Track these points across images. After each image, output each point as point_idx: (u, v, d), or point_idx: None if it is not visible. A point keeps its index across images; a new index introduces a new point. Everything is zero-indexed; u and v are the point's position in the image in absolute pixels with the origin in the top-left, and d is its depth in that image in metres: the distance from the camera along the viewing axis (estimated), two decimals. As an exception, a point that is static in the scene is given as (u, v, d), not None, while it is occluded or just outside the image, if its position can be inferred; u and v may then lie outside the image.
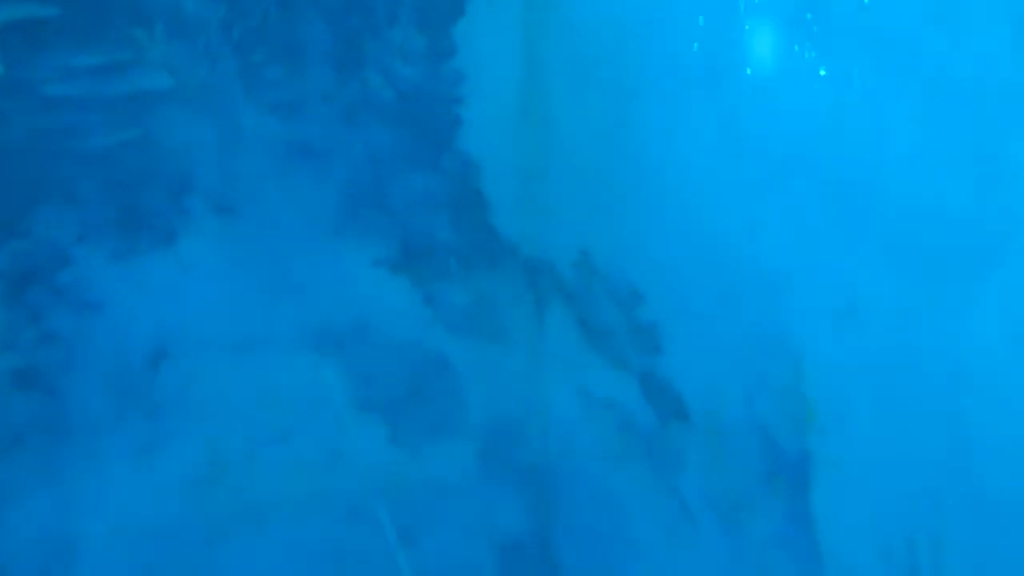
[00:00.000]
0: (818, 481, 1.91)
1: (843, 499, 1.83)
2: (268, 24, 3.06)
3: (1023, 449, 1.35)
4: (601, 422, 2.89)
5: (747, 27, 1.93)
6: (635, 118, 2.45)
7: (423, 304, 3.46)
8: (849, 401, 1.77)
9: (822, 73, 1.72)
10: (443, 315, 3.40)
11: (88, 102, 2.89)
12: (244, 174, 3.25)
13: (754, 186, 1.96)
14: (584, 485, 3.10)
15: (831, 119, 1.70)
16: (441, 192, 3.28)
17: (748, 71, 1.93)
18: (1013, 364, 1.36)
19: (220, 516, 3.41)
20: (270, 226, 3.36)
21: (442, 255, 3.33)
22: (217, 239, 3.30)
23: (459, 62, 3.05)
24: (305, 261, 3.38)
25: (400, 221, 3.43)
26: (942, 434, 1.55)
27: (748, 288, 2.05)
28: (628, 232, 2.59)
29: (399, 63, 3.14)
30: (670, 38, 2.24)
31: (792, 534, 2.01)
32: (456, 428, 3.43)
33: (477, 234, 3.24)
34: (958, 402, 1.50)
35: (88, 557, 3.11)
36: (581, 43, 2.72)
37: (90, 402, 3.18)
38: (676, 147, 2.28)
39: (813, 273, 1.80)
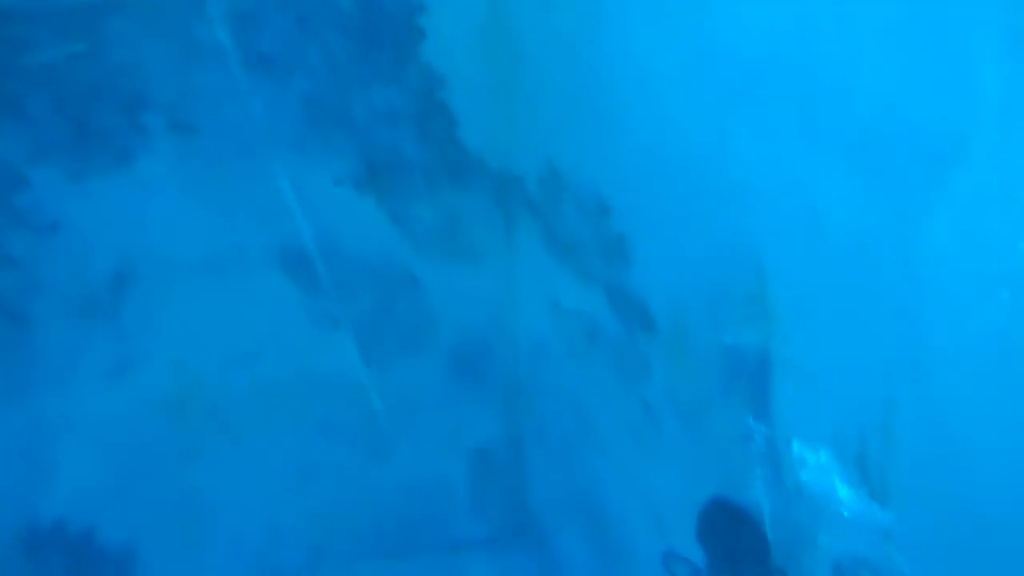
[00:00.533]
0: (777, 382, 2.01)
1: (800, 399, 1.93)
2: (219, -71, 2.92)
3: (972, 348, 1.44)
4: (569, 333, 2.96)
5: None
6: (602, 29, 2.42)
7: (390, 222, 3.45)
8: (809, 306, 1.84)
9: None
10: (411, 233, 3.40)
11: (34, 14, 2.75)
12: (199, 90, 3.16)
13: (722, 96, 1.97)
14: (552, 394, 3.20)
15: (799, 28, 1.71)
16: (405, 106, 3.23)
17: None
18: (966, 267, 1.43)
19: (194, 435, 3.45)
20: (229, 144, 3.29)
21: (408, 172, 3.31)
22: (175, 158, 3.22)
23: (420, -30, 2.96)
24: (267, 179, 3.33)
25: (363, 137, 3.38)
26: (896, 335, 1.63)
27: (714, 198, 2.08)
28: (595, 145, 2.59)
29: (358, -30, 3.03)
30: (637, -55, 2.21)
31: (751, 433, 2.12)
32: (426, 344, 3.49)
33: (443, 149, 3.22)
34: (913, 304, 1.58)
35: (66, 478, 3.14)
36: (546, -50, 2.66)
37: (55, 325, 3.15)
38: (644, 58, 2.27)
39: (778, 182, 1.84)
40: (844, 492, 1.69)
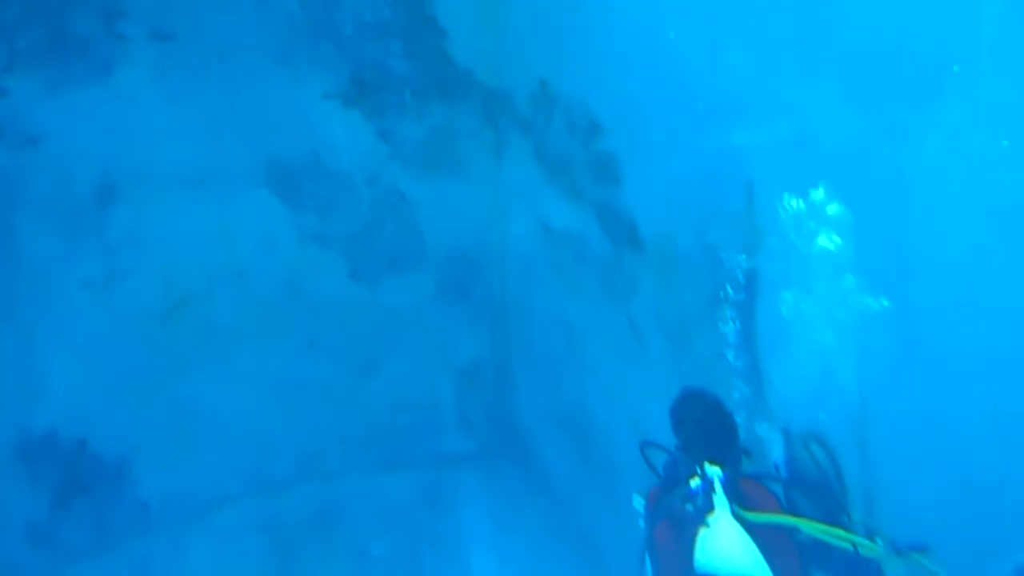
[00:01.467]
0: (763, 299, 2.04)
1: (786, 315, 1.96)
2: None
3: (962, 265, 1.46)
4: (557, 252, 2.97)
5: None
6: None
7: (378, 139, 3.40)
8: (798, 223, 1.85)
9: None
10: (399, 149, 3.36)
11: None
12: (181, -3, 3.06)
13: (714, 11, 1.93)
14: (540, 313, 3.23)
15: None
16: (392, 19, 3.14)
17: None
18: (959, 183, 1.44)
19: (183, 349, 3.46)
20: (212, 55, 3.20)
21: (396, 87, 3.24)
22: (157, 68, 3.12)
23: None
24: (252, 93, 3.25)
25: (350, 50, 3.29)
26: (884, 250, 1.66)
27: (705, 117, 2.07)
28: (588, 60, 2.55)
29: None
30: None
31: (735, 351, 2.16)
32: (415, 261, 3.49)
33: (432, 64, 3.15)
34: (902, 220, 1.59)
35: (56, 389, 3.16)
36: None
37: (41, 239, 3.10)
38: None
39: (770, 100, 1.82)
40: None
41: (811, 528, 1.53)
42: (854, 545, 1.50)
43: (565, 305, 3.02)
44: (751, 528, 1.51)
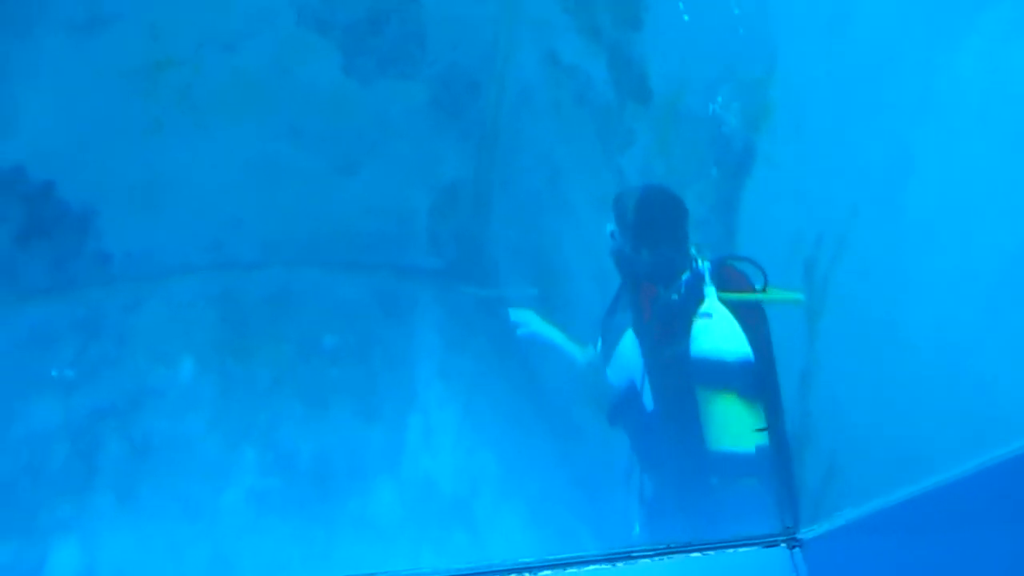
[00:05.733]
0: (754, 174, 2.06)
1: (772, 192, 2.00)
2: None
3: (953, 178, 1.49)
4: (560, 89, 2.91)
5: None
6: None
7: (397, -72, 3.18)
8: (809, 107, 1.84)
9: None
10: (417, -56, 3.16)
11: None
12: None
13: None
14: (529, 147, 3.20)
15: None
16: None
17: None
18: (977, 108, 1.44)
19: (160, 110, 3.35)
20: None
21: None
22: None
23: None
24: None
25: None
26: (881, 151, 1.67)
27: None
28: None
29: None
30: None
31: (714, 218, 2.21)
32: (412, 67, 3.37)
33: None
34: (909, 130, 1.60)
35: (26, 128, 3.06)
36: None
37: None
38: None
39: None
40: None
41: (766, 296, 1.75)
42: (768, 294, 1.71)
43: (556, 145, 2.99)
44: (732, 308, 1.65)
